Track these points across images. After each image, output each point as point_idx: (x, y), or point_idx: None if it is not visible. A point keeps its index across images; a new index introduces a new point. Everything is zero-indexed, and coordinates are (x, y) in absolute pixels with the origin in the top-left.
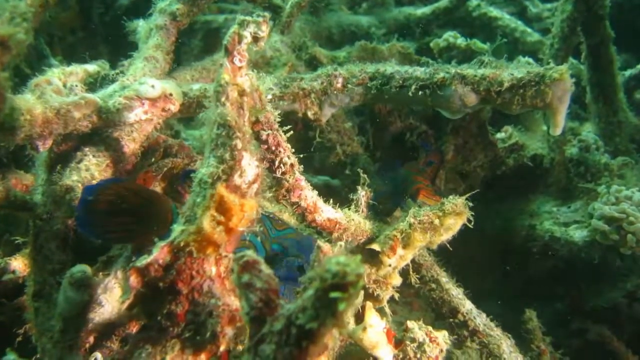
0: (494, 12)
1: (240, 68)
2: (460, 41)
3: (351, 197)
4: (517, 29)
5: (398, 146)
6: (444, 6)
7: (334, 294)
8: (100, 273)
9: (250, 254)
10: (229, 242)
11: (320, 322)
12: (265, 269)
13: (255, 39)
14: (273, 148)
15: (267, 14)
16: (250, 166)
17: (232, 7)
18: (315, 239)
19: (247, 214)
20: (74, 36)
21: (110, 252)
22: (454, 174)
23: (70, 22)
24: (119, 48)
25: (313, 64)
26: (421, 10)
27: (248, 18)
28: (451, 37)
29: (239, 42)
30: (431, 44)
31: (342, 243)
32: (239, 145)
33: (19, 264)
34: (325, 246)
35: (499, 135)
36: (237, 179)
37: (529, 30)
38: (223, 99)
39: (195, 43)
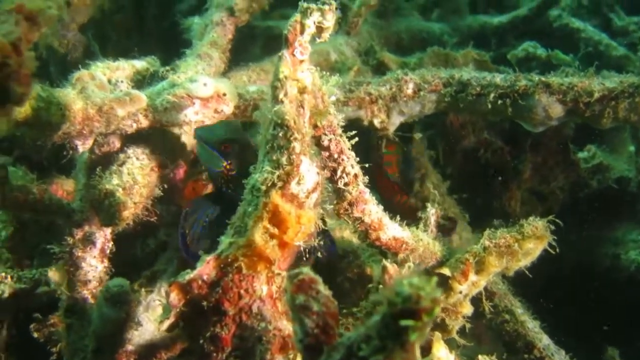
0: (577, 23)
1: (301, 62)
2: (541, 52)
3: (419, 215)
4: (602, 42)
5: (471, 163)
6: (523, 15)
7: (404, 322)
8: (143, 289)
9: (306, 271)
10: (282, 258)
11: (387, 354)
12: (324, 289)
13: (320, 29)
14: (335, 155)
15: (334, 2)
16: (309, 172)
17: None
18: None
19: (304, 227)
20: (129, 40)
21: (154, 266)
22: (530, 195)
23: (125, 24)
24: (176, 52)
25: (381, 70)
26: (498, 19)
27: (312, 5)
28: (531, 47)
29: (301, 32)
30: (508, 55)
31: (411, 264)
32: (298, 148)
33: (54, 276)
34: (392, 267)
35: (581, 154)
36: (294, 187)
37: (614, 44)
38: (281, 96)
39: (255, 52)
